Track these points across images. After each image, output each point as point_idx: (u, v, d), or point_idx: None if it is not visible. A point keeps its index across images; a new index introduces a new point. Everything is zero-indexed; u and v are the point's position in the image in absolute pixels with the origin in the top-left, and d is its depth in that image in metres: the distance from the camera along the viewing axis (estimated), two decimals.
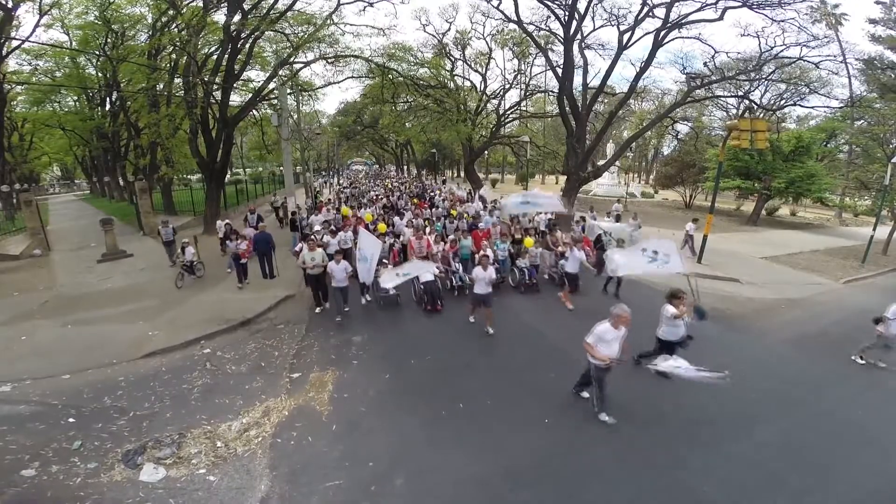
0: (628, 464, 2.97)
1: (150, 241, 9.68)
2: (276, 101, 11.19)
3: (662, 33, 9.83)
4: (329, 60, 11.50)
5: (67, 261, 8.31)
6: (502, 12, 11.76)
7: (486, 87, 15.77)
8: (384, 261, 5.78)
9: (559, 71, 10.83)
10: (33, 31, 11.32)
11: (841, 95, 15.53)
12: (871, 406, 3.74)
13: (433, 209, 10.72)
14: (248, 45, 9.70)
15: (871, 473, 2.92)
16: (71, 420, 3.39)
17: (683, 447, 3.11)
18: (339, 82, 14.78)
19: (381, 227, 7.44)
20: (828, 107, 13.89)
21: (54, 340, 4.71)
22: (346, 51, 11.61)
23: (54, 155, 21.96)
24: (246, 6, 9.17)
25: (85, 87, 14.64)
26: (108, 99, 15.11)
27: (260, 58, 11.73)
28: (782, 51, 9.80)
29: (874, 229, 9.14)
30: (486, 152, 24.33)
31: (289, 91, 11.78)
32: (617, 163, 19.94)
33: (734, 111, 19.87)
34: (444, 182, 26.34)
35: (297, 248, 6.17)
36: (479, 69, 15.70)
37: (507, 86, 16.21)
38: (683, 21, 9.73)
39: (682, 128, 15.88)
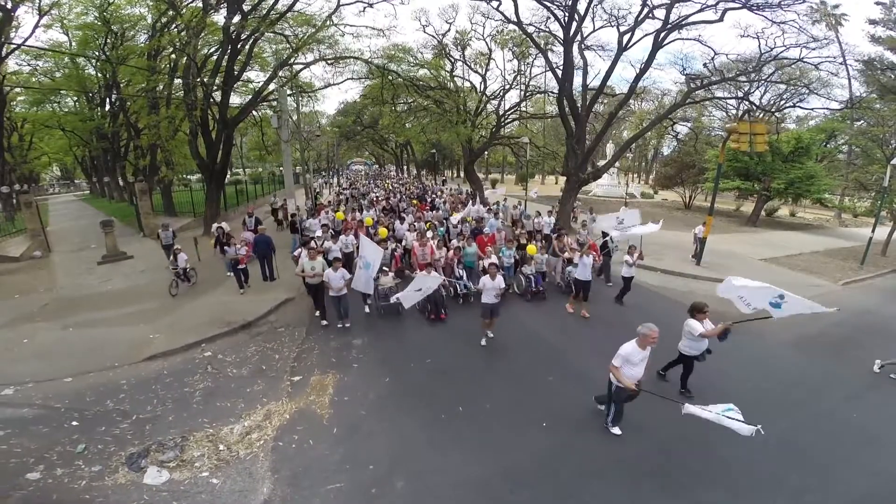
0: (627, 465, 3.00)
1: (150, 242, 9.69)
2: (275, 103, 11.18)
3: (662, 34, 9.83)
4: (329, 62, 11.51)
5: (68, 262, 8.32)
6: (502, 13, 11.76)
7: (485, 87, 15.78)
8: (384, 268, 5.63)
9: (559, 72, 10.82)
10: (33, 31, 11.31)
11: (841, 96, 15.60)
12: (870, 407, 3.77)
13: (434, 211, 10.61)
14: (247, 47, 9.70)
15: (871, 474, 2.94)
16: (74, 423, 3.41)
17: (682, 448, 3.14)
18: (338, 83, 14.80)
19: (383, 231, 7.27)
20: (827, 109, 13.90)
21: (55, 343, 4.73)
22: (346, 52, 11.61)
23: (54, 155, 21.96)
24: (245, 7, 9.17)
25: (84, 91, 14.66)
26: (107, 99, 15.10)
27: (260, 58, 11.73)
28: (782, 52, 9.81)
29: (873, 231, 9.14)
30: (486, 153, 24.33)
31: (289, 92, 11.79)
32: (616, 163, 19.97)
33: (734, 111, 19.91)
34: (443, 182, 26.37)
35: (295, 254, 6.07)
36: (479, 70, 15.70)
37: (507, 86, 16.23)
38: (683, 22, 9.73)
39: (682, 128, 15.89)
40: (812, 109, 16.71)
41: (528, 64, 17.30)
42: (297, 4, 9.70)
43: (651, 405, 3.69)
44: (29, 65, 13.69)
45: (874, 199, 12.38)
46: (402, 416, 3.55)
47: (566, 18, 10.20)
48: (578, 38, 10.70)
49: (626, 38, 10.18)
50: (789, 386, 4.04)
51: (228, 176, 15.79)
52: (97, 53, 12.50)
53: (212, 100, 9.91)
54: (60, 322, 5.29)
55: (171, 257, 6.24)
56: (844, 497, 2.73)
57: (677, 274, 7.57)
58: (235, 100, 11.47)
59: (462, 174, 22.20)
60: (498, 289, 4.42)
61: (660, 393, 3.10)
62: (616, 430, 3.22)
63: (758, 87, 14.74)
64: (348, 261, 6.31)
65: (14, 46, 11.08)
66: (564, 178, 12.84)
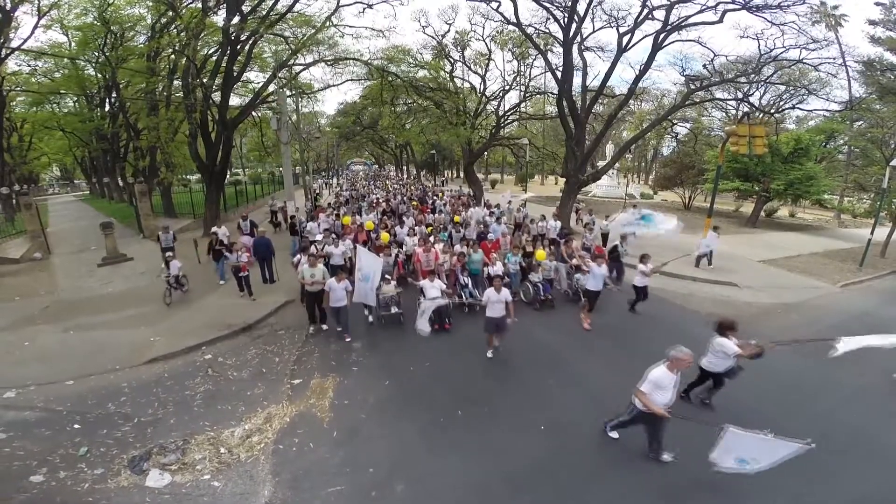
0: (625, 468, 3.02)
1: (150, 244, 9.69)
2: (275, 104, 11.18)
3: (662, 36, 9.83)
4: (328, 63, 11.51)
5: (68, 264, 8.34)
6: (502, 14, 11.75)
7: (485, 88, 15.77)
8: (387, 276, 5.38)
9: (558, 73, 10.82)
10: (32, 32, 11.30)
11: (840, 97, 15.58)
12: (868, 408, 3.79)
13: (435, 214, 10.33)
14: (247, 48, 9.70)
15: (869, 475, 2.96)
16: (76, 426, 3.44)
17: (680, 451, 3.17)
18: (337, 85, 14.77)
19: (384, 237, 7.02)
20: (827, 110, 13.91)
21: (57, 346, 4.75)
22: (346, 53, 11.62)
23: (54, 156, 21.95)
24: (245, 9, 9.16)
25: (82, 94, 14.65)
26: (107, 100, 15.09)
27: (259, 59, 11.72)
28: (782, 53, 9.82)
29: (872, 232, 9.15)
30: (485, 153, 24.30)
31: (288, 93, 11.78)
32: (616, 164, 19.96)
33: (733, 112, 19.91)
34: (443, 183, 26.35)
35: (294, 260, 5.79)
36: (479, 71, 15.69)
37: (507, 87, 16.22)
38: (683, 24, 9.73)
39: (681, 129, 15.90)
40: (811, 111, 16.71)
41: (527, 65, 17.31)
42: (296, 5, 9.71)
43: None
44: (28, 65, 13.69)
45: (873, 201, 12.39)
46: (402, 420, 3.57)
47: (566, 19, 10.20)
48: (578, 39, 10.69)
49: (625, 39, 10.19)
50: (786, 389, 4.06)
51: (228, 176, 15.78)
52: (97, 54, 12.51)
53: (211, 101, 9.92)
54: (61, 325, 5.31)
55: (164, 264, 6.01)
56: (843, 498, 2.75)
57: (676, 276, 7.57)
58: (235, 101, 11.49)
59: (462, 174, 22.14)
60: (504, 302, 4.17)
61: (693, 417, 2.86)
62: (666, 457, 2.99)
63: (757, 89, 14.74)
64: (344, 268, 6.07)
65: (13, 48, 11.06)
66: (564, 179, 12.84)
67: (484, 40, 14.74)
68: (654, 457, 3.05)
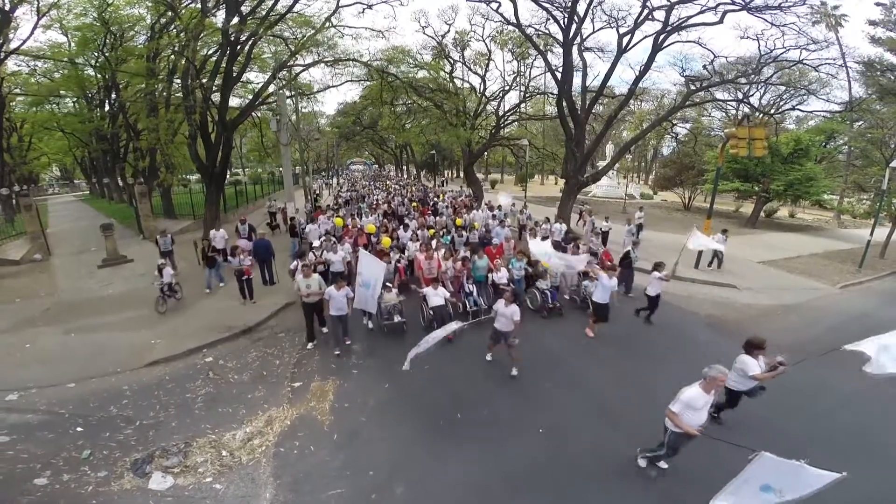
0: (625, 470, 3.05)
1: (149, 245, 9.68)
2: (275, 105, 11.17)
3: (662, 37, 9.82)
4: (328, 64, 11.49)
5: (68, 266, 8.35)
6: (501, 15, 11.73)
7: (485, 88, 15.76)
8: (388, 284, 5.17)
9: (558, 74, 10.82)
10: (32, 33, 11.28)
11: (840, 98, 15.57)
12: (866, 410, 3.81)
13: (437, 217, 10.11)
14: (247, 48, 9.69)
15: (867, 476, 2.95)
16: (79, 429, 3.46)
17: (682, 455, 3.17)
18: (337, 86, 14.76)
19: (386, 241, 6.82)
20: (827, 112, 13.90)
21: (58, 348, 4.77)
22: (345, 54, 11.59)
23: (53, 156, 21.94)
24: (244, 10, 9.14)
25: (82, 94, 14.63)
26: (107, 100, 15.08)
27: (259, 59, 11.69)
28: (782, 54, 9.81)
29: (871, 233, 9.16)
30: (485, 153, 24.27)
31: (288, 94, 11.77)
32: (616, 164, 19.92)
33: (733, 112, 19.90)
34: (443, 183, 26.31)
35: (291, 267, 5.66)
36: (479, 71, 15.68)
37: (507, 87, 16.21)
38: (683, 24, 9.72)
39: (681, 129, 15.88)
40: (811, 112, 16.72)
41: (527, 65, 17.29)
42: (296, 6, 9.69)
43: (646, 410, 3.76)
44: (28, 66, 13.67)
45: (873, 201, 12.40)
46: (402, 423, 3.59)
47: (565, 20, 10.19)
48: (578, 39, 10.67)
49: (625, 39, 10.17)
50: (784, 392, 4.05)
51: (228, 176, 15.77)
52: (96, 54, 12.48)
53: (211, 102, 9.92)
54: (62, 327, 5.32)
55: (157, 272, 5.73)
56: (841, 500, 2.76)
57: (676, 277, 7.56)
58: (235, 101, 11.47)
59: (462, 174, 22.12)
60: (511, 318, 3.96)
61: (725, 438, 2.64)
62: (663, 465, 2.93)
63: (757, 89, 14.74)
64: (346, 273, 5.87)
65: (13, 49, 11.04)
66: (563, 180, 12.83)
67: (484, 41, 14.73)
68: (653, 458, 3.04)
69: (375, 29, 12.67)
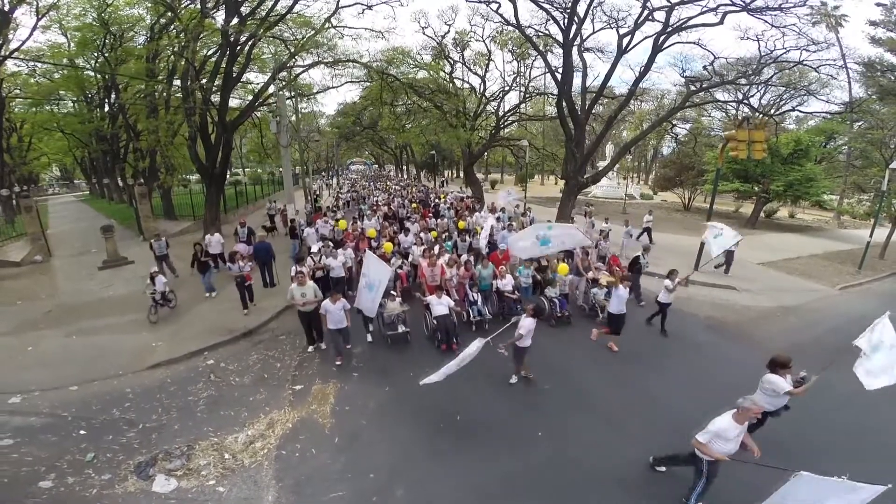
0: (623, 472, 3.07)
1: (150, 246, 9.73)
2: (275, 106, 11.17)
3: (662, 38, 9.82)
4: (327, 65, 11.48)
5: (69, 267, 8.36)
6: (501, 16, 11.73)
7: (485, 89, 15.76)
8: (392, 293, 5.02)
9: (558, 75, 10.82)
10: (31, 33, 11.26)
11: (841, 98, 15.57)
12: (863, 412, 3.81)
13: (439, 219, 9.77)
14: (246, 49, 9.69)
15: (867, 479, 3.00)
16: (82, 432, 3.49)
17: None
18: (337, 87, 14.74)
19: (388, 246, 6.54)
20: (827, 113, 13.90)
21: (59, 350, 4.79)
22: (345, 55, 11.59)
23: (53, 156, 21.93)
24: (244, 10, 9.14)
25: (82, 95, 14.61)
26: (106, 101, 15.08)
27: (259, 60, 11.68)
28: (782, 54, 9.81)
29: (871, 234, 9.17)
30: (485, 153, 24.25)
31: (288, 95, 11.76)
32: (616, 165, 19.92)
33: (733, 112, 19.88)
34: (443, 184, 26.27)
35: (293, 274, 5.19)
36: (479, 71, 15.67)
37: (507, 88, 16.21)
38: (684, 25, 9.72)
39: (681, 130, 15.88)
40: (811, 113, 16.70)
41: (527, 66, 17.26)
42: (296, 6, 9.69)
43: (644, 413, 3.77)
44: (28, 66, 13.65)
45: (873, 202, 12.41)
46: (402, 426, 3.62)
47: (565, 21, 10.18)
48: (578, 40, 10.67)
49: (625, 40, 10.17)
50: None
51: (228, 177, 15.79)
52: (96, 55, 12.46)
53: (210, 103, 9.92)
54: (64, 329, 5.35)
55: (149, 280, 5.44)
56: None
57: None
58: (234, 102, 11.47)
59: (462, 175, 22.11)
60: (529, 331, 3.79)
61: (753, 460, 2.53)
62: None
63: (758, 90, 14.73)
64: (347, 278, 5.76)
65: (13, 50, 11.03)
66: (563, 180, 12.83)
67: (484, 41, 14.72)
68: (653, 463, 3.04)
69: (375, 30, 12.76)
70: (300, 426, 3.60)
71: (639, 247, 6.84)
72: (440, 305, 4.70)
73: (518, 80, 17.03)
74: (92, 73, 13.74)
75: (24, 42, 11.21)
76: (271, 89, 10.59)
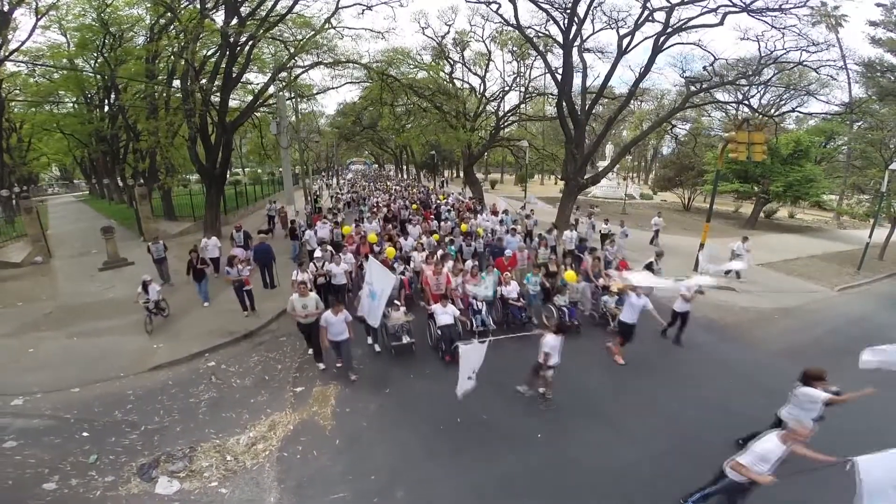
0: (621, 476, 3.09)
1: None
2: (275, 107, 11.17)
3: (662, 38, 9.82)
4: (327, 65, 11.48)
5: (69, 268, 8.37)
6: (501, 16, 11.72)
7: (485, 89, 15.75)
8: (395, 302, 4.79)
9: (558, 76, 10.82)
10: (31, 34, 11.26)
11: (841, 98, 15.58)
12: (862, 414, 3.81)
13: (440, 222, 9.50)
14: (246, 49, 9.68)
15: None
16: (85, 434, 3.51)
17: (672, 460, 3.24)
18: (336, 88, 14.74)
19: (390, 251, 6.27)
20: (827, 114, 13.91)
21: (61, 352, 4.80)
22: (345, 55, 11.57)
23: (53, 156, 21.90)
24: (243, 11, 9.13)
25: (81, 95, 14.59)
26: (106, 101, 15.06)
27: (259, 60, 11.67)
28: (782, 55, 9.82)
29: (870, 235, 9.20)
30: (486, 153, 24.24)
31: (288, 96, 11.76)
32: (616, 165, 19.92)
33: (733, 112, 19.90)
34: (443, 184, 26.23)
35: (293, 279, 5.15)
36: (479, 71, 15.67)
37: (507, 88, 16.20)
38: (684, 26, 9.72)
39: (681, 130, 15.89)
40: (811, 114, 16.72)
41: (527, 66, 17.27)
42: (296, 6, 9.67)
43: (642, 416, 3.78)
44: (27, 66, 13.63)
45: (872, 203, 12.42)
46: (403, 428, 3.64)
47: (565, 21, 10.18)
48: (578, 41, 10.67)
49: (625, 41, 10.17)
50: (781, 397, 4.09)
51: (228, 177, 15.79)
52: (95, 55, 12.45)
53: (210, 104, 9.92)
54: (65, 331, 5.36)
55: (141, 289, 5.15)
56: None
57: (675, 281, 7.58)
58: (234, 102, 11.45)
59: (462, 175, 22.11)
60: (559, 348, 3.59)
61: (802, 470, 2.40)
62: None
63: (758, 90, 14.74)
64: (340, 292, 5.45)
65: (13, 50, 11.02)
66: (563, 181, 12.83)
67: (483, 41, 14.71)
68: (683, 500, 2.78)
69: (375, 30, 12.75)
70: (301, 428, 3.62)
71: (650, 250, 6.69)
72: (445, 315, 4.53)
73: (518, 80, 17.04)
74: (92, 73, 13.71)
75: (23, 42, 11.23)
76: (271, 90, 10.59)
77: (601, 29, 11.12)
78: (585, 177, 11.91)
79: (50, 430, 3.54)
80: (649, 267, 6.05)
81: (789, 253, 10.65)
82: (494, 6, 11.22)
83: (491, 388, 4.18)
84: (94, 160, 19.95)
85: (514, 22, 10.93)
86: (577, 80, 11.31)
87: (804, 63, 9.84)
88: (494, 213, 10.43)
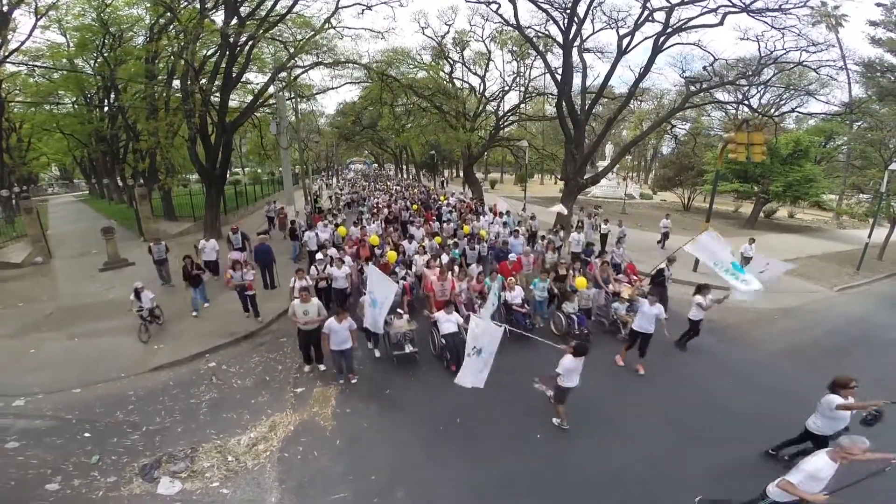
0: (618, 477, 3.11)
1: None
2: (275, 107, 11.16)
3: (662, 39, 9.83)
4: (327, 66, 11.48)
5: (69, 269, 8.37)
6: (501, 16, 11.74)
7: (484, 89, 15.75)
8: (399, 310, 4.64)
9: (558, 76, 10.83)
10: (30, 34, 11.25)
11: (840, 97, 15.59)
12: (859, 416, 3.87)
13: (442, 224, 9.33)
14: (246, 49, 9.67)
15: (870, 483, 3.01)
16: (87, 435, 3.52)
17: (669, 462, 3.25)
18: (336, 88, 14.75)
19: (391, 256, 6.09)
20: (827, 114, 13.92)
21: (62, 353, 4.82)
22: (345, 55, 11.57)
23: (53, 156, 21.88)
24: (243, 11, 9.12)
25: (81, 95, 14.58)
26: (106, 101, 15.05)
27: (259, 60, 11.67)
28: (782, 55, 9.82)
29: (870, 236, 9.20)
30: (485, 153, 24.23)
31: (288, 96, 11.76)
32: (616, 165, 19.90)
33: (733, 111, 19.91)
34: (443, 184, 26.22)
35: (291, 285, 5.09)
36: (478, 71, 15.67)
37: (507, 88, 16.21)
38: (684, 26, 9.72)
39: (681, 130, 15.89)
40: (811, 115, 16.73)
41: (527, 66, 17.26)
42: (295, 6, 9.66)
43: (640, 417, 3.79)
44: (27, 66, 13.61)
45: (872, 203, 12.44)
46: (403, 428, 3.65)
47: (565, 21, 10.18)
48: (578, 41, 10.67)
49: (625, 41, 10.19)
50: (782, 397, 4.09)
51: (228, 177, 15.77)
52: (95, 55, 12.44)
53: (210, 105, 9.91)
54: (65, 331, 5.37)
55: (133, 296, 4.92)
56: None
57: (673, 281, 7.58)
58: (234, 102, 11.44)
59: (461, 174, 22.11)
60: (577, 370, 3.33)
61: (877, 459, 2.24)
62: None
63: (757, 90, 14.73)
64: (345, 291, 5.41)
65: (12, 50, 11.01)
66: (563, 181, 12.83)
67: (483, 41, 14.72)
68: None
69: (375, 30, 12.76)
70: (302, 428, 3.63)
71: (655, 251, 6.54)
72: (449, 322, 4.35)
73: (518, 80, 17.04)
74: (91, 74, 13.70)
75: (23, 42, 11.22)
76: (271, 90, 10.59)
77: (601, 29, 11.15)
78: (585, 177, 11.93)
79: (52, 430, 3.55)
80: (660, 273, 5.78)
81: (789, 253, 10.64)
82: (494, 6, 11.24)
83: (491, 390, 4.14)
84: (94, 160, 19.95)
85: (514, 22, 10.94)
86: (576, 80, 11.37)
87: (804, 63, 9.86)
88: (495, 213, 10.27)
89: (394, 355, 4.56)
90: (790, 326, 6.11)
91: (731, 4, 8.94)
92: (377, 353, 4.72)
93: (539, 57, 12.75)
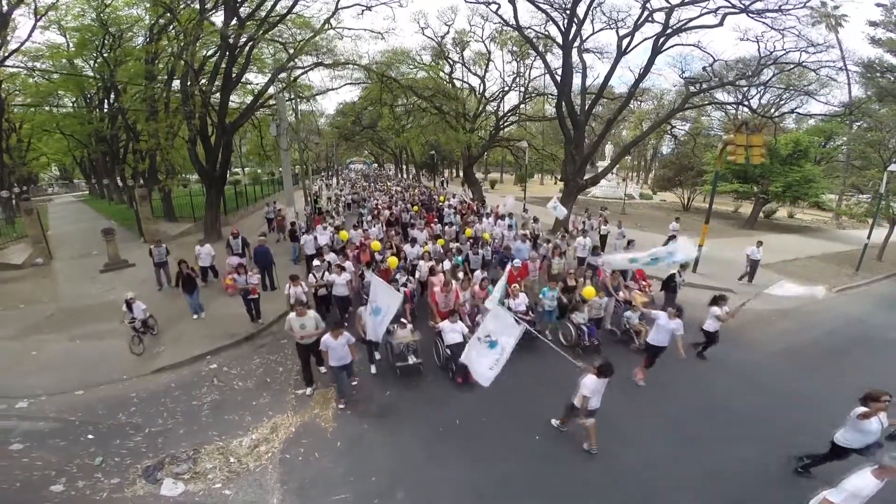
0: (616, 477, 3.14)
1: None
2: (275, 108, 11.17)
3: (662, 39, 9.83)
4: (327, 66, 11.48)
5: (70, 270, 8.38)
6: (500, 16, 11.75)
7: (484, 89, 15.75)
8: (402, 320, 4.53)
9: (558, 76, 10.84)
10: (30, 34, 11.23)
11: (840, 98, 15.59)
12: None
13: (444, 226, 9.13)
14: (246, 50, 9.67)
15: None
16: (90, 436, 3.54)
17: (667, 463, 3.28)
18: (336, 89, 14.75)
19: (393, 261, 5.91)
20: (826, 115, 13.93)
21: (64, 355, 4.83)
22: (345, 56, 11.58)
23: (53, 156, 21.88)
24: (243, 12, 9.11)
25: (81, 95, 14.57)
26: (106, 101, 15.05)
27: (259, 61, 11.68)
28: (782, 56, 9.83)
29: (869, 236, 9.22)
30: (485, 153, 24.23)
31: (288, 97, 11.76)
32: (615, 166, 19.89)
33: (733, 112, 19.92)
34: (443, 184, 26.21)
35: (287, 291, 5.03)
36: (478, 71, 15.67)
37: (506, 88, 16.21)
38: (683, 27, 9.73)
39: (681, 130, 15.89)
40: (811, 115, 16.74)
41: (527, 66, 17.26)
42: (295, 7, 9.66)
43: (639, 418, 3.82)
44: (27, 66, 13.60)
45: (871, 204, 12.46)
46: (403, 430, 3.68)
47: (565, 22, 10.18)
48: (577, 41, 10.68)
49: (625, 42, 10.20)
50: (781, 398, 4.11)
51: (228, 177, 15.76)
52: (95, 55, 12.44)
53: (210, 105, 9.91)
54: (67, 333, 5.39)
55: (125, 307, 4.77)
56: None
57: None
58: (234, 103, 11.45)
59: (461, 174, 22.12)
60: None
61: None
62: None
63: (757, 91, 14.74)
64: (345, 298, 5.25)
65: (12, 51, 11.00)
66: (563, 182, 12.84)
67: (483, 41, 14.73)
68: None
69: (375, 31, 12.77)
70: (303, 430, 3.66)
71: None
72: (454, 332, 4.20)
73: (517, 80, 17.04)
74: (91, 76, 13.69)
75: (23, 43, 11.20)
76: (271, 91, 10.59)
77: (601, 29, 11.17)
78: (585, 177, 11.94)
79: (55, 432, 3.57)
80: (671, 279, 5.64)
81: (788, 253, 10.66)
82: (494, 6, 11.25)
83: (491, 391, 4.15)
84: (94, 160, 19.93)
85: (514, 22, 10.95)
86: (576, 81, 11.37)
87: (804, 64, 9.87)
88: (496, 215, 9.81)
89: (397, 367, 4.37)
90: (789, 327, 6.14)
91: (730, 5, 8.94)
92: (373, 369, 4.51)
93: (539, 57, 12.75)
